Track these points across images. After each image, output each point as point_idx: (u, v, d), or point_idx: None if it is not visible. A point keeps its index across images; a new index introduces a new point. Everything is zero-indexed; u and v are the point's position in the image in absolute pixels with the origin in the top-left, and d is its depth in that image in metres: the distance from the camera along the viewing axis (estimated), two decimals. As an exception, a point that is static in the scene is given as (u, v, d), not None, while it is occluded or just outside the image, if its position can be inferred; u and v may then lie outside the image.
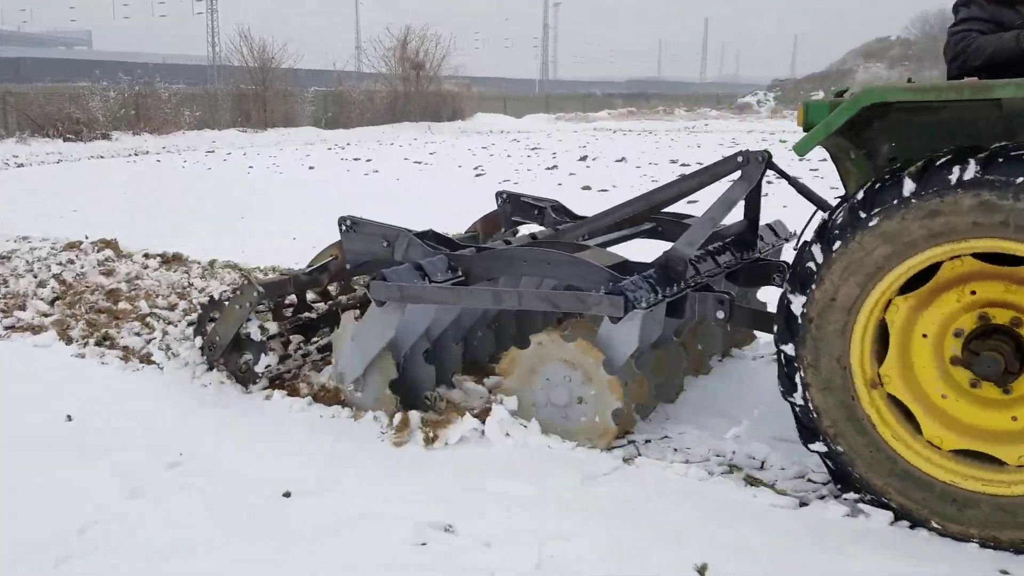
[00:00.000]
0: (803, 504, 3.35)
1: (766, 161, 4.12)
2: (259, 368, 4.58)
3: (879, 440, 3.07)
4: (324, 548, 3.04)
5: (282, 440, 4.01)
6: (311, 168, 20.39)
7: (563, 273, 3.88)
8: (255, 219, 11.53)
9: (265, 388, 4.59)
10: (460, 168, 20.02)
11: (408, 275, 3.96)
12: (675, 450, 3.89)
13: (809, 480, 3.61)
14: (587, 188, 15.27)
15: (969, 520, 2.97)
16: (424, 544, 3.05)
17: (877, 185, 2.97)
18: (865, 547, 3.01)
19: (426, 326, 4.24)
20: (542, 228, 5.26)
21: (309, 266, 4.83)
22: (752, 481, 3.55)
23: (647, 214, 4.82)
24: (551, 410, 3.90)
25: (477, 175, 18.29)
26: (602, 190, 15.00)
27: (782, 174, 4.31)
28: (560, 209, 5.35)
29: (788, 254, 4.76)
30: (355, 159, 22.99)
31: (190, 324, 5.12)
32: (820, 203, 4.32)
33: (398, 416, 4.05)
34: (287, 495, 3.44)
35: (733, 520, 3.19)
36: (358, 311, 4.55)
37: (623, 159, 21.76)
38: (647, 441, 3.99)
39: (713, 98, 69.59)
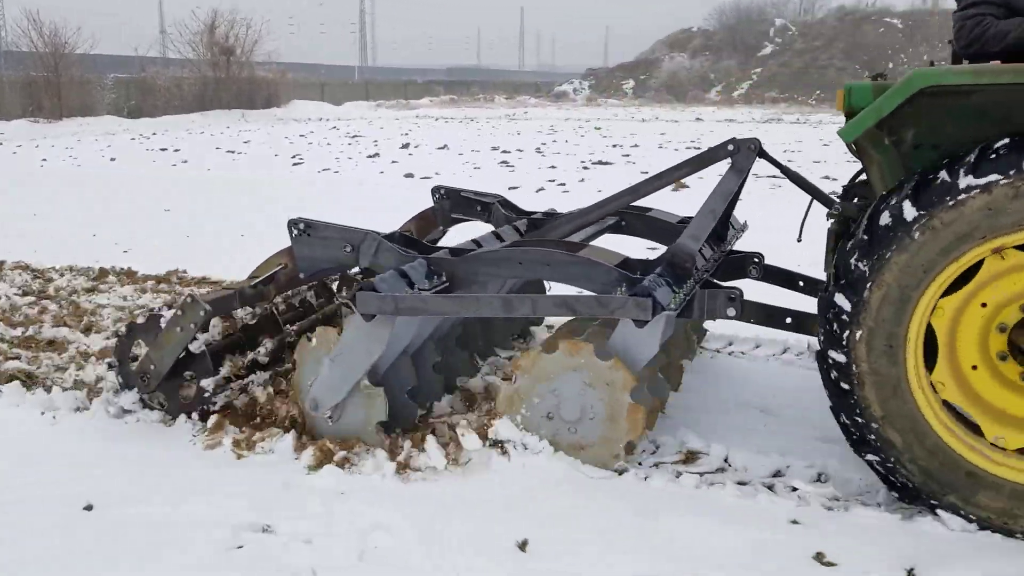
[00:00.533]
0: (621, 473, 3.48)
1: (757, 149, 3.99)
2: (207, 395, 3.93)
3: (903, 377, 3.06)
4: (129, 559, 2.86)
5: (83, 451, 3.74)
6: (112, 160, 19.10)
7: (566, 274, 3.59)
8: (49, 216, 10.67)
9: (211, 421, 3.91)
10: (277, 157, 19.40)
11: (395, 284, 3.56)
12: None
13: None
14: (410, 176, 15.20)
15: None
16: (240, 547, 2.94)
17: None
18: (677, 509, 3.18)
19: (408, 340, 3.84)
20: (489, 225, 4.90)
21: (252, 277, 4.20)
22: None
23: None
24: (560, 426, 3.56)
25: (295, 164, 17.78)
26: (424, 177, 14.97)
27: (774, 163, 4.12)
28: (507, 204, 4.97)
29: (744, 246, 4.71)
30: (162, 149, 21.76)
31: (112, 350, 4.20)
32: (814, 191, 4.22)
33: (212, 419, 3.87)
34: (89, 508, 3.22)
35: (554, 494, 3.28)
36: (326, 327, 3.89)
37: (445, 147, 21.81)
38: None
39: (532, 86, 70.96)
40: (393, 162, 17.87)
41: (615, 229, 4.86)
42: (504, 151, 20.38)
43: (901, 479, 3.10)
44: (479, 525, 3.06)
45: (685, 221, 4.77)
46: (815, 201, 4.19)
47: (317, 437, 3.73)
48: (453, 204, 4.99)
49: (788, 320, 4.07)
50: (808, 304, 4.23)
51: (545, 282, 4.91)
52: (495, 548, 2.93)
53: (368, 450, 3.59)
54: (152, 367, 3.96)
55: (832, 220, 3.81)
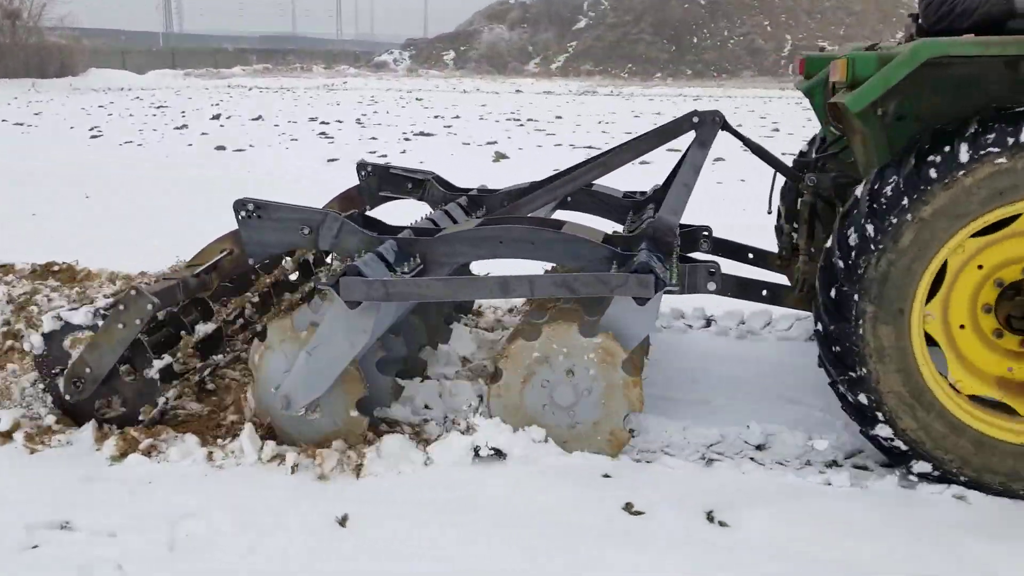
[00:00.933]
0: (428, 442, 3.48)
1: (721, 122, 3.92)
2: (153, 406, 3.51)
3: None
4: (-95, 573, 2.61)
5: None
6: None
7: (552, 253, 3.48)
8: None
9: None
10: (72, 129, 18.02)
11: (377, 268, 3.31)
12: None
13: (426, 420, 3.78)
14: (221, 148, 14.55)
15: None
16: (36, 547, 2.74)
17: None
18: (502, 474, 3.23)
19: (384, 329, 3.56)
20: (422, 204, 4.64)
21: (193, 265, 3.78)
22: (388, 424, 3.64)
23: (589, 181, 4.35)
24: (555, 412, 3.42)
25: (93, 136, 16.59)
26: (238, 150, 14.41)
27: (737, 135, 4.10)
28: (441, 181, 4.70)
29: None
30: (-63, 122, 19.69)
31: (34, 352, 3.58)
32: (776, 164, 4.25)
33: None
34: None
35: (368, 469, 3.24)
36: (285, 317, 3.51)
37: (260, 117, 21.04)
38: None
39: (351, 56, 69.43)
40: (203, 134, 17.03)
41: (561, 205, 4.77)
42: (323, 122, 19.90)
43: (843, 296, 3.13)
44: (294, 505, 3.00)
45: (629, 195, 4.77)
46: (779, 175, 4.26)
47: (285, 439, 3.44)
48: (381, 182, 4.71)
49: (764, 292, 4.09)
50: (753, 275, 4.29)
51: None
52: (316, 524, 2.89)
53: (176, 437, 3.41)
54: (87, 371, 3.47)
55: (806, 193, 3.88)
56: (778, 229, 4.81)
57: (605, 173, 4.11)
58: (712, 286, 3.53)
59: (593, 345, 3.32)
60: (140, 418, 3.51)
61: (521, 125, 20.08)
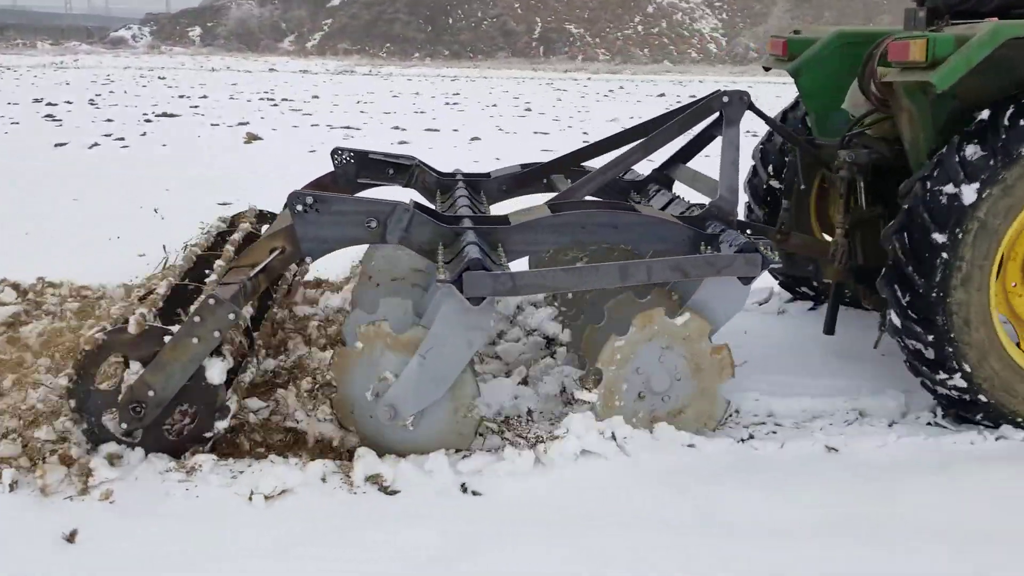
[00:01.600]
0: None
1: (748, 102, 3.93)
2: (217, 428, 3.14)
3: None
4: None
5: None
6: None
7: (635, 236, 3.47)
8: None
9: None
10: None
11: (487, 261, 3.15)
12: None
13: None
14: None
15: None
16: None
17: None
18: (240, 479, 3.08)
19: None
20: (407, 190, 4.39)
21: (240, 267, 3.38)
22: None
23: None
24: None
25: None
26: (-55, 135, 12.82)
27: (760, 115, 4.11)
28: (427, 167, 4.49)
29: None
30: None
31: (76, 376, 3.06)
32: (799, 143, 4.33)
33: None
34: None
35: (97, 480, 2.97)
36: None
37: (-28, 99, 18.82)
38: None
39: (83, 31, 63.68)
40: (-99, 118, 14.99)
41: (550, 187, 4.67)
42: (50, 103, 18.17)
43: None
44: (21, 523, 2.74)
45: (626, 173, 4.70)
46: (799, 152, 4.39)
47: (387, 450, 3.22)
48: (359, 168, 4.44)
49: (809, 267, 4.21)
50: None
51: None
52: (40, 544, 2.64)
53: None
54: (151, 394, 3.03)
55: (842, 170, 3.95)
56: (765, 204, 4.95)
57: (644, 157, 4.13)
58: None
59: (680, 325, 3.39)
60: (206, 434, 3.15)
61: (275, 105, 19.42)
